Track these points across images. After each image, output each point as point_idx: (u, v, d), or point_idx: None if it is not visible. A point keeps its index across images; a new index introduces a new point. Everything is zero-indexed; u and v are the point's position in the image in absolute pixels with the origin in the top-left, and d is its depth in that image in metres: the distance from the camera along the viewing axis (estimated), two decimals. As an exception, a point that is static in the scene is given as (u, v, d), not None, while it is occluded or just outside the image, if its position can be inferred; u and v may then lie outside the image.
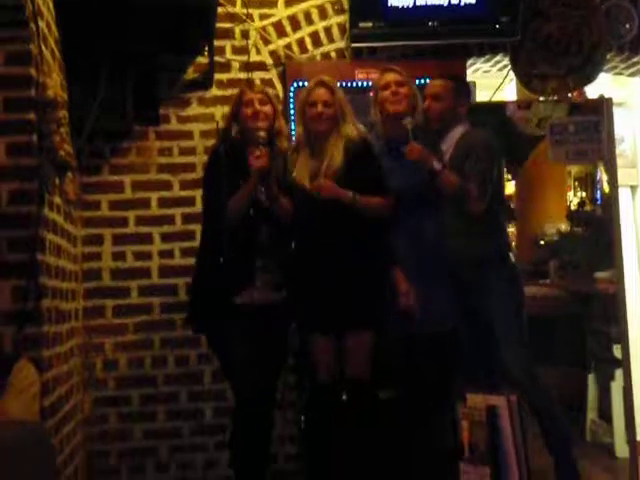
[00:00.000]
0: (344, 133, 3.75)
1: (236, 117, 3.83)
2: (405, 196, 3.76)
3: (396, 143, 3.83)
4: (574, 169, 5.81)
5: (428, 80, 4.26)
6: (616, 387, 4.93)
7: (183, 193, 4.48)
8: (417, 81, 4.31)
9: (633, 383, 4.74)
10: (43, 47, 3.34)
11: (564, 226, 6.01)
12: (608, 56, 4.92)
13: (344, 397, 3.63)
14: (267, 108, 3.80)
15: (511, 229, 5.90)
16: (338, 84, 4.00)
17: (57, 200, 3.54)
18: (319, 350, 3.70)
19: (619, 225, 4.65)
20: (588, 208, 5.99)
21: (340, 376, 3.67)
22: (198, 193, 4.39)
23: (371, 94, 3.98)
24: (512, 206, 6.20)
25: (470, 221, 3.83)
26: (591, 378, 5.30)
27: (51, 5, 3.64)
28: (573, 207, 6.13)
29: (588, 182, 6.01)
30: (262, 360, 3.60)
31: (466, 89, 4.22)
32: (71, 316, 3.94)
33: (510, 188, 6.17)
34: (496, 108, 5.12)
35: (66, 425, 3.62)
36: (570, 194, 6.18)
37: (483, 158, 3.86)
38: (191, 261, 4.35)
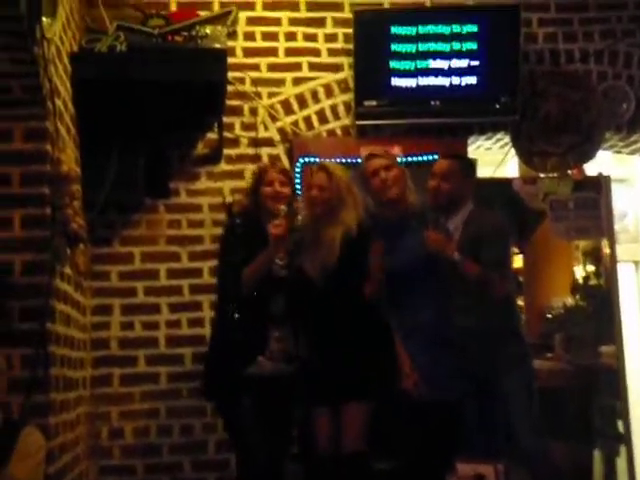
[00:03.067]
0: (343, 220, 3.74)
1: (254, 194, 3.88)
2: (404, 275, 3.79)
3: (393, 225, 3.87)
4: (582, 243, 5.86)
5: (430, 157, 4.40)
6: (622, 463, 4.91)
7: (191, 265, 4.56)
8: (420, 158, 4.46)
9: (637, 460, 4.73)
10: (59, 124, 3.49)
11: (570, 300, 6.04)
12: (607, 135, 5.02)
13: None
14: (287, 190, 3.86)
15: (519, 302, 5.94)
16: (343, 160, 4.18)
17: (68, 271, 3.63)
18: (318, 422, 3.70)
19: (618, 300, 4.70)
20: (593, 282, 6.03)
21: (338, 448, 3.67)
22: (206, 265, 4.51)
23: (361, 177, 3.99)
24: (520, 279, 6.23)
25: (482, 297, 3.87)
26: (597, 454, 5.28)
27: (68, 84, 3.81)
28: (579, 281, 6.16)
29: (595, 256, 6.05)
30: (269, 430, 3.63)
31: (471, 168, 4.30)
32: (79, 384, 3.99)
33: (518, 262, 6.22)
34: (502, 184, 5.23)
35: (71, 493, 3.65)
36: (578, 268, 6.22)
37: (499, 244, 3.93)
38: (198, 331, 4.48)
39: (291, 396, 3.78)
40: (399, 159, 4.21)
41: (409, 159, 4.56)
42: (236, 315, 3.63)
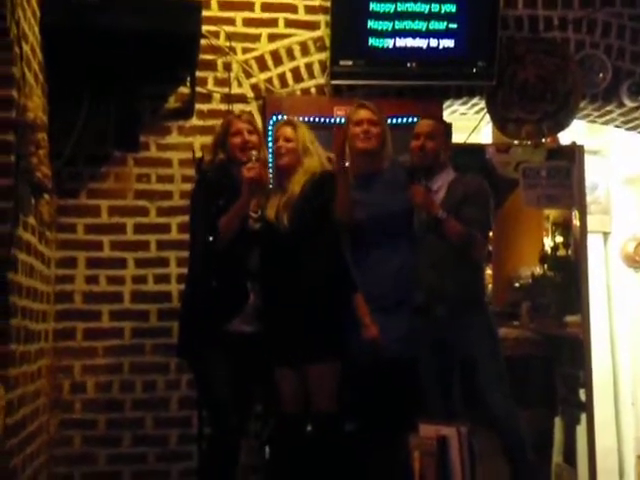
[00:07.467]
0: (307, 167, 3.81)
1: (223, 145, 3.89)
2: (371, 228, 3.80)
3: (364, 176, 3.88)
4: (552, 213, 5.87)
5: (405, 119, 4.37)
6: (581, 431, 4.96)
7: (159, 220, 4.50)
8: (395, 120, 4.43)
9: (597, 428, 4.78)
10: (26, 70, 3.40)
11: (538, 269, 6.06)
12: (582, 104, 5.01)
13: (309, 428, 3.66)
14: (254, 138, 3.87)
15: (488, 271, 5.95)
16: (316, 119, 4.26)
17: (32, 221, 3.57)
18: (283, 382, 3.73)
19: (586, 270, 4.72)
20: (561, 253, 6.05)
21: (305, 407, 3.70)
22: (174, 220, 4.47)
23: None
24: (490, 248, 6.24)
25: (450, 259, 3.85)
26: (558, 421, 5.33)
27: (36, 29, 3.71)
28: (547, 251, 6.18)
29: (564, 227, 6.07)
30: (241, 388, 3.66)
31: (450, 132, 4.27)
32: (41, 337, 3.94)
33: (488, 230, 6.22)
34: (475, 150, 5.22)
35: (30, 445, 3.61)
36: (547, 238, 6.24)
37: (483, 205, 3.92)
38: (164, 287, 4.45)
39: (261, 354, 3.77)
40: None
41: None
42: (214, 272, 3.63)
